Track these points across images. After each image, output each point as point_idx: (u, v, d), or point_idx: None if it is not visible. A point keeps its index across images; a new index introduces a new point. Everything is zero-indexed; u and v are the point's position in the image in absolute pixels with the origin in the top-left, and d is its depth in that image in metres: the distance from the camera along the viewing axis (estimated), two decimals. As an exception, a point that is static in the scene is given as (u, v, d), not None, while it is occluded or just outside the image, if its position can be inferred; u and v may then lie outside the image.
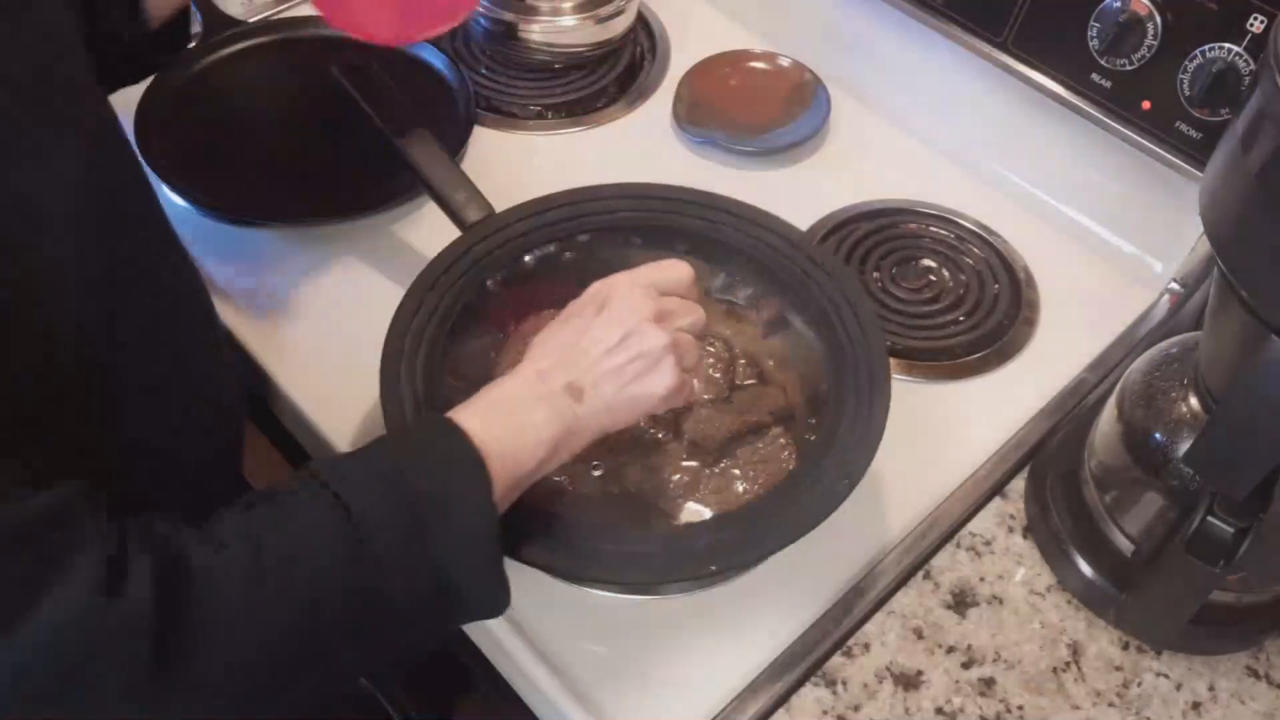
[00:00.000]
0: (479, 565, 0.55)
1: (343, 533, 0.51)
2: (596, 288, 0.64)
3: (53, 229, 0.51)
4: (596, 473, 0.68)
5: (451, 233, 0.76)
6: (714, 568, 0.61)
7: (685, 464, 0.69)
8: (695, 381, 0.67)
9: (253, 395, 0.81)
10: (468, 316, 0.72)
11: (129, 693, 0.46)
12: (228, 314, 0.81)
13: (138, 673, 0.45)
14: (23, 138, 0.49)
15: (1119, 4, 0.78)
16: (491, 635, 0.67)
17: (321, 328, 0.82)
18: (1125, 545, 0.69)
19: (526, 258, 0.75)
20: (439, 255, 0.74)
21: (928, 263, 0.89)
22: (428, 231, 0.88)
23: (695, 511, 0.68)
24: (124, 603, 0.45)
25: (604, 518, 0.66)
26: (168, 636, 0.46)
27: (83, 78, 0.58)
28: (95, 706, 0.46)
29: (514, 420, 0.58)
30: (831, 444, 0.65)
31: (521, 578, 0.69)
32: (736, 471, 0.69)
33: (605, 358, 0.60)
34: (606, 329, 0.61)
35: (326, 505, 0.52)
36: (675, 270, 0.64)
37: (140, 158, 0.87)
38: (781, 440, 0.71)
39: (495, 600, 0.57)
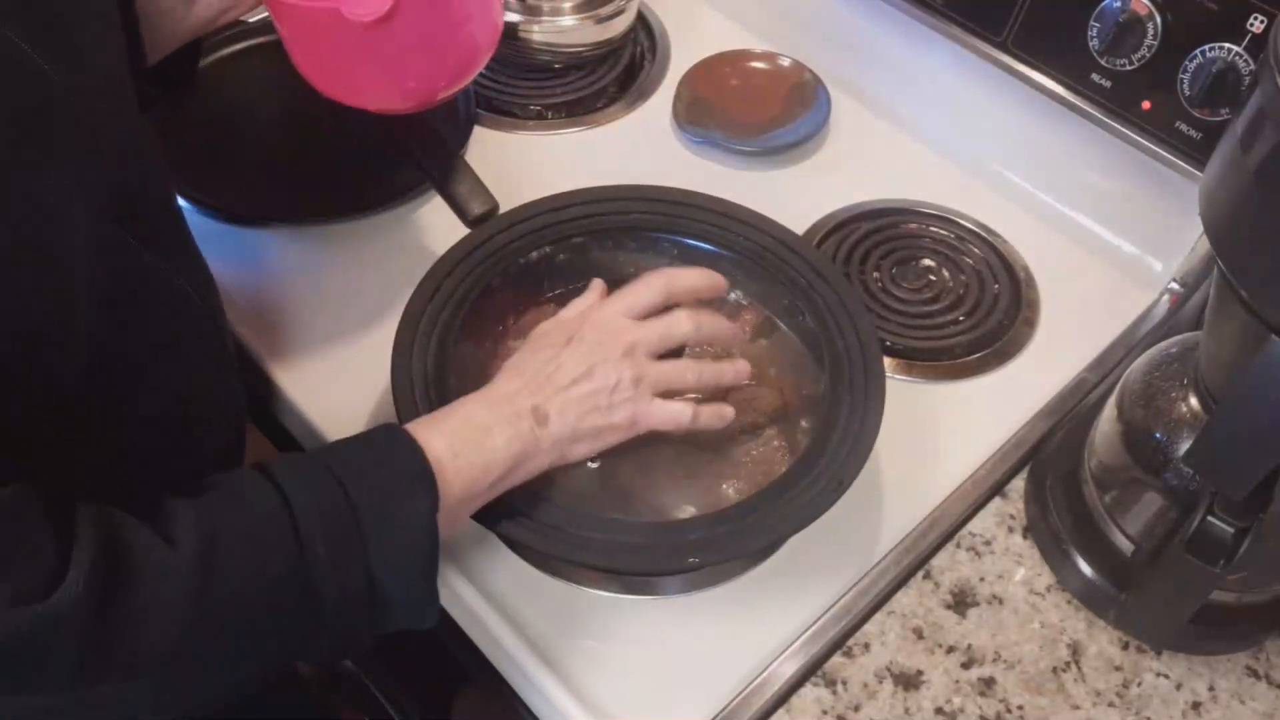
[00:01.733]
0: (413, 580, 0.56)
1: (286, 534, 0.52)
2: (568, 316, 0.67)
3: (75, 238, 0.50)
4: (594, 464, 0.68)
5: (452, 231, 0.76)
6: (694, 560, 0.62)
7: (679, 462, 0.69)
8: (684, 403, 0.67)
9: (254, 396, 0.82)
10: (482, 305, 0.73)
11: (62, 680, 0.48)
12: (228, 315, 0.81)
13: (67, 664, 0.47)
14: (56, 147, 0.49)
15: (1119, 4, 0.78)
16: (490, 634, 0.67)
17: (322, 328, 0.82)
18: (1125, 545, 0.69)
19: (536, 252, 0.76)
20: (456, 244, 0.75)
21: (928, 263, 0.89)
22: (428, 231, 0.88)
23: (687, 510, 0.68)
24: (55, 603, 0.46)
25: (595, 510, 0.67)
26: (97, 633, 0.47)
27: (122, 83, 0.58)
28: (31, 689, 0.48)
29: (475, 439, 0.59)
30: (825, 446, 0.66)
31: (521, 577, 0.70)
32: (730, 472, 0.69)
33: (572, 387, 0.62)
34: (573, 362, 0.63)
35: (274, 506, 0.53)
36: (649, 290, 0.66)
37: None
38: (776, 442, 0.71)
39: (423, 614, 0.58)
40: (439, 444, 0.58)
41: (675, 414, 0.65)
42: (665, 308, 0.67)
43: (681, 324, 0.65)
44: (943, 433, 0.78)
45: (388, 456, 0.57)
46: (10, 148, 0.46)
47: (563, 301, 0.76)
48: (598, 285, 0.71)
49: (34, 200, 0.47)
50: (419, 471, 0.56)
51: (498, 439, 0.59)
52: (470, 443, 0.59)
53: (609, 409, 0.63)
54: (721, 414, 0.67)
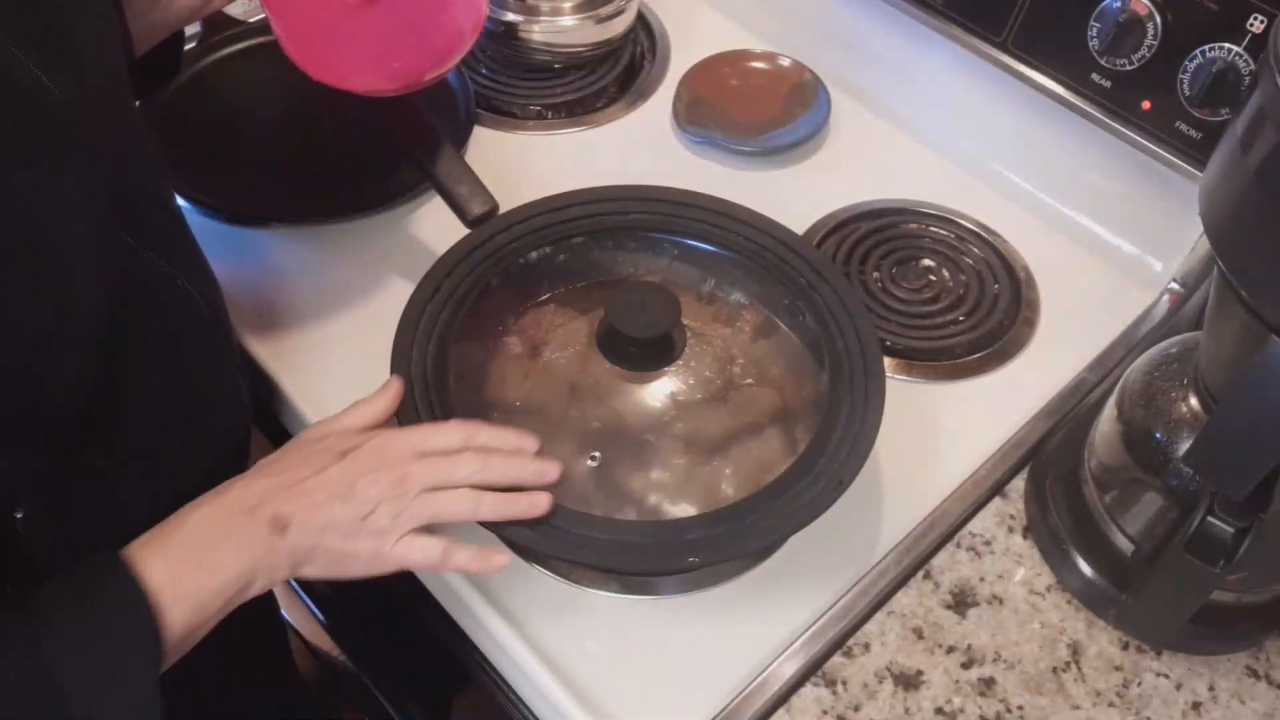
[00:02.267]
0: None
1: None
2: (352, 429, 0.62)
3: (74, 240, 0.50)
4: (593, 463, 0.68)
5: (452, 231, 0.76)
6: (693, 560, 0.62)
7: (679, 461, 0.69)
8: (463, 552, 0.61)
9: (254, 397, 0.82)
10: (482, 305, 0.73)
11: None
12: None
13: None
14: (55, 149, 0.49)
15: (1119, 4, 0.78)
16: (491, 635, 0.67)
17: (322, 328, 0.82)
18: (1125, 545, 0.69)
19: (536, 252, 0.76)
20: (455, 244, 0.75)
21: (928, 263, 0.89)
22: (428, 231, 0.88)
23: (686, 509, 0.68)
24: None
25: (595, 509, 0.67)
26: None
27: (121, 83, 0.58)
28: None
29: (203, 560, 0.55)
30: (825, 446, 0.66)
31: (521, 578, 0.70)
32: (729, 471, 0.69)
33: (327, 502, 0.57)
34: (337, 477, 0.58)
35: None
36: (448, 434, 0.61)
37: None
38: (776, 442, 0.71)
39: None
40: (159, 574, 0.53)
41: (422, 553, 0.59)
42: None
43: (464, 464, 0.60)
44: (943, 433, 0.78)
45: (103, 611, 0.51)
46: (9, 153, 0.46)
47: (563, 301, 0.76)
48: (394, 386, 0.65)
49: (33, 203, 0.47)
50: (138, 631, 0.51)
51: (226, 555, 0.55)
52: (197, 567, 0.54)
53: (355, 535, 0.58)
54: (485, 560, 0.61)
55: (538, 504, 0.61)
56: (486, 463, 0.61)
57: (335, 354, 0.80)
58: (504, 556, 0.61)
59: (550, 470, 0.62)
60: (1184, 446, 0.64)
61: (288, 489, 0.58)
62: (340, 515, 0.57)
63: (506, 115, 0.99)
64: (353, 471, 0.58)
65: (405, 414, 0.65)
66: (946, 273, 0.88)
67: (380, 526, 0.58)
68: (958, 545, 0.73)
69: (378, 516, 0.58)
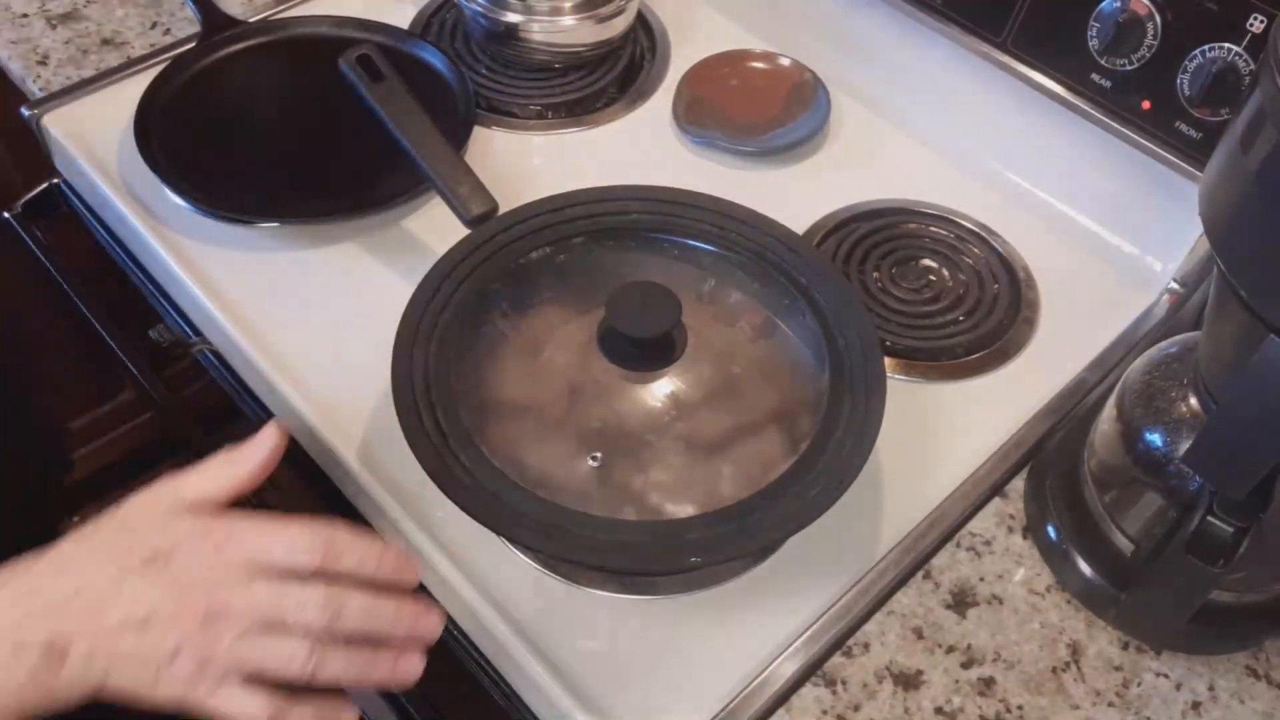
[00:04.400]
0: None
1: None
2: (172, 515, 0.47)
3: None
4: (593, 463, 0.68)
5: (452, 231, 0.76)
6: (695, 560, 0.62)
7: (678, 461, 0.69)
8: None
9: (253, 396, 0.82)
10: (480, 307, 0.73)
11: None
12: (226, 315, 0.81)
13: None
14: None
15: (1119, 4, 0.78)
16: (491, 634, 0.67)
17: (322, 328, 0.82)
18: (1125, 545, 0.69)
19: (536, 252, 0.76)
20: (455, 245, 0.75)
21: (928, 263, 0.89)
22: (428, 231, 0.88)
23: (687, 509, 0.68)
24: None
25: (596, 509, 0.67)
26: None
27: None
28: None
29: None
30: (825, 445, 0.66)
31: (521, 578, 0.70)
32: (729, 471, 0.69)
33: (117, 631, 0.44)
34: (134, 596, 0.45)
35: None
36: (301, 546, 0.47)
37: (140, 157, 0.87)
38: (776, 442, 0.71)
39: None
40: None
41: (244, 715, 0.46)
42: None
43: (309, 601, 0.46)
44: (943, 433, 0.78)
45: None
46: None
47: (563, 302, 0.76)
48: (270, 437, 0.52)
49: None
50: None
51: None
52: None
53: (150, 682, 0.45)
54: None
55: (404, 671, 0.49)
56: (343, 603, 0.47)
57: (335, 355, 0.80)
58: (350, 713, 0.49)
59: (429, 625, 0.49)
60: (1184, 446, 0.64)
61: (69, 606, 0.44)
62: (131, 651, 0.45)
63: (506, 115, 0.99)
64: (157, 591, 0.45)
65: (407, 419, 0.65)
66: (946, 273, 0.88)
67: (182, 676, 0.45)
68: (958, 545, 0.73)
69: (180, 664, 0.45)
